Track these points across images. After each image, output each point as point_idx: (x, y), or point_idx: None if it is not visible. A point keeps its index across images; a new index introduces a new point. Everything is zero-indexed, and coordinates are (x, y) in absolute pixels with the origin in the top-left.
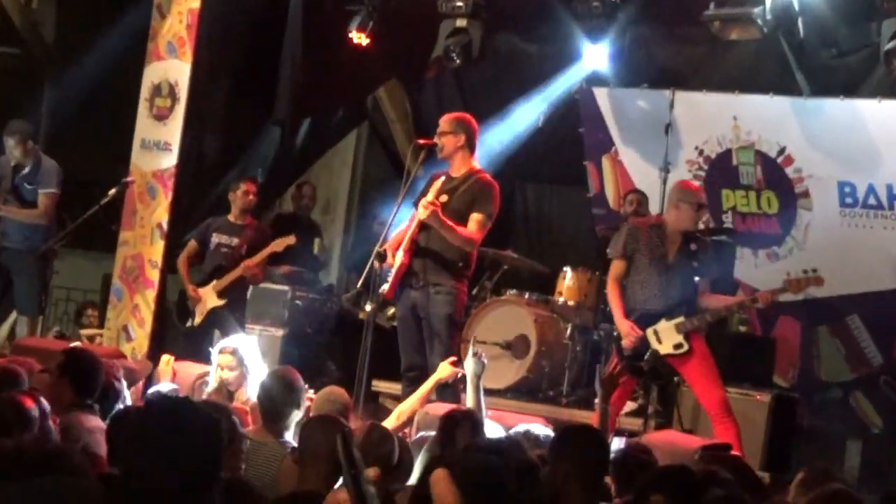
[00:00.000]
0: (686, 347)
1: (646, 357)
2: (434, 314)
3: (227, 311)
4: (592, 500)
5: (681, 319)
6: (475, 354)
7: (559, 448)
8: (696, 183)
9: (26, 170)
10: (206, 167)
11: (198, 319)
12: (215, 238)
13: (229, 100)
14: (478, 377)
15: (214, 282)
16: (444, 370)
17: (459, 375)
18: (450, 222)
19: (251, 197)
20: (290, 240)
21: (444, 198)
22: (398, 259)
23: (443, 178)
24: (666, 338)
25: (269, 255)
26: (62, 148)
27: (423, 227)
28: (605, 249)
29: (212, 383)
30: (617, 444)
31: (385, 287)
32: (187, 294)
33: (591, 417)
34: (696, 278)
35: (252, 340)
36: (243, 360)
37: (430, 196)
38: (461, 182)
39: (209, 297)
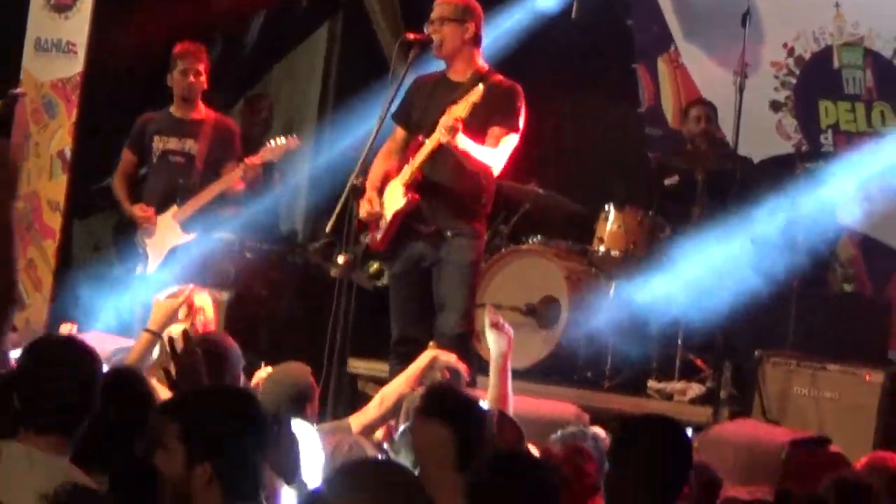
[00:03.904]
0: None
1: None
2: (454, 263)
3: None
4: None
5: None
6: (494, 325)
7: (624, 447)
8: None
9: None
10: (126, 74)
11: (153, 265)
12: (158, 143)
13: None
14: (503, 357)
15: (174, 208)
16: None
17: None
18: (474, 145)
19: (200, 76)
20: (293, 142)
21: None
22: (396, 198)
23: (432, 83)
24: None
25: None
26: None
27: (431, 155)
28: (662, 180)
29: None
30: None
31: (375, 235)
32: (135, 221)
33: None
34: None
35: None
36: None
37: (455, 111)
38: (469, 88)
39: (169, 232)
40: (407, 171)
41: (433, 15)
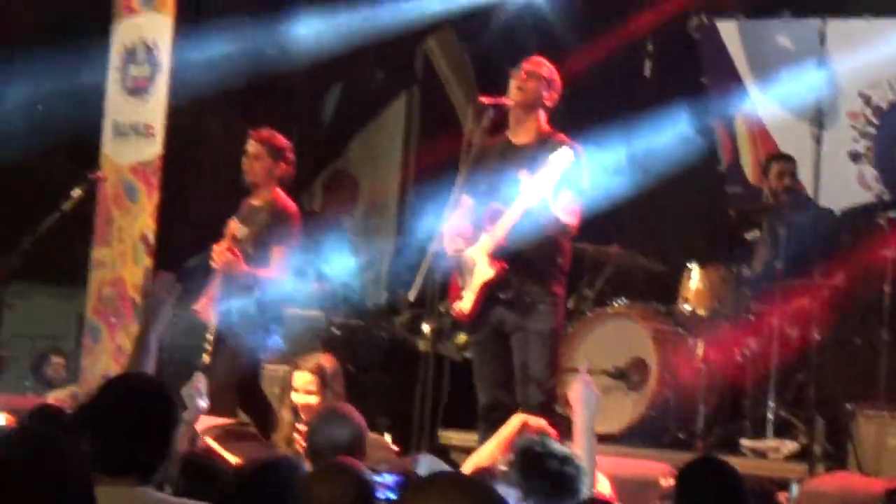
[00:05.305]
0: None
1: None
2: (534, 331)
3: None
4: None
5: None
6: (587, 384)
7: (686, 490)
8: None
9: None
10: (206, 155)
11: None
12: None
13: None
14: (591, 414)
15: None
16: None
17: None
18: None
19: (257, 161)
20: (236, 228)
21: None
22: (481, 268)
23: (498, 148)
24: None
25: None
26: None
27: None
28: (743, 233)
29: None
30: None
31: (461, 305)
32: None
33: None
34: None
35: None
36: (329, 384)
37: (542, 175)
38: (535, 147)
39: None
40: (489, 240)
41: (523, 66)
